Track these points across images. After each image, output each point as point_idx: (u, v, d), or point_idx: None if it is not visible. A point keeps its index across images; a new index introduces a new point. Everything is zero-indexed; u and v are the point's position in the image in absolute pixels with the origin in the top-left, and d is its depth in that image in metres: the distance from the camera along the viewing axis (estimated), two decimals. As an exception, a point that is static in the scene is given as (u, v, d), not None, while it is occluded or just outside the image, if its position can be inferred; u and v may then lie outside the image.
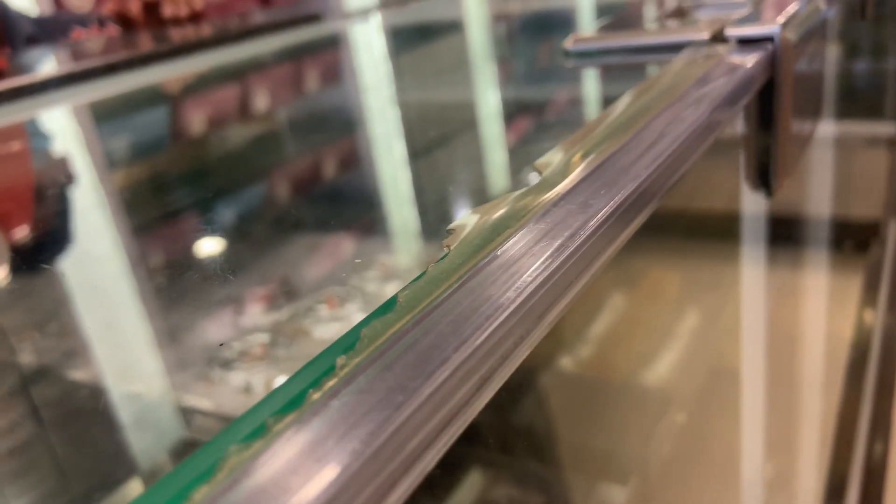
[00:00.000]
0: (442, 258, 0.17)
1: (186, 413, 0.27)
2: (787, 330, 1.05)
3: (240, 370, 0.31)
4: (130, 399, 0.24)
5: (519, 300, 0.15)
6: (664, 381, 0.84)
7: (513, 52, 0.56)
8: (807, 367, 1.02)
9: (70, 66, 0.66)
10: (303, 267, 0.30)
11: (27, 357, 0.24)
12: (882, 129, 1.44)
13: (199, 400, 0.29)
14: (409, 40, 0.71)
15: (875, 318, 1.09)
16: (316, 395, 0.12)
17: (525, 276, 0.16)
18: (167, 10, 0.95)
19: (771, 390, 0.96)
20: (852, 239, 1.26)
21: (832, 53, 1.18)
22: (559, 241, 0.17)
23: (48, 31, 1.03)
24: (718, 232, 0.89)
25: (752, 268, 0.93)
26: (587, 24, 0.65)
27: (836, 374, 1.01)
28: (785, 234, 1.08)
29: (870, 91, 1.47)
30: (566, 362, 0.78)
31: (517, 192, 0.20)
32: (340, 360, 0.13)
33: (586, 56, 0.36)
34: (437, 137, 0.37)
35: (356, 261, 0.26)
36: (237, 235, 0.29)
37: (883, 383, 1.00)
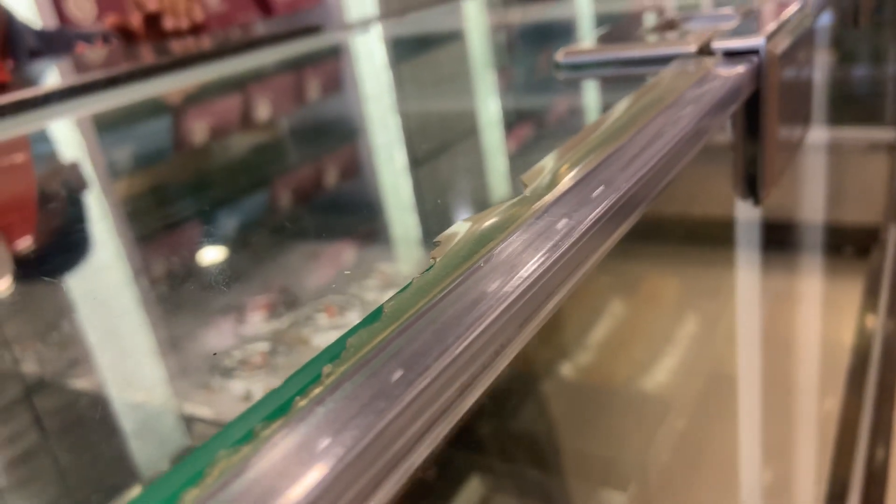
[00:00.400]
0: (428, 270, 0.17)
1: (186, 420, 0.28)
2: (788, 336, 1.05)
3: (240, 378, 0.31)
4: (131, 407, 0.25)
5: (500, 309, 0.16)
6: (668, 387, 0.84)
7: (506, 64, 0.56)
8: (807, 373, 1.02)
9: (74, 79, 0.67)
10: (303, 275, 0.30)
11: (26, 366, 0.25)
12: (882, 134, 1.44)
13: (199, 408, 0.30)
14: (406, 52, 0.72)
15: (876, 324, 1.09)
16: (302, 403, 0.13)
17: (507, 286, 0.16)
18: (168, 23, 0.96)
19: (772, 396, 0.96)
20: (852, 244, 1.27)
21: (831, 60, 1.18)
22: (541, 253, 0.18)
23: (52, 45, 1.04)
24: (718, 238, 0.90)
25: (752, 274, 0.93)
26: (586, 34, 0.66)
27: (838, 379, 1.02)
28: (785, 239, 1.09)
29: (870, 97, 1.48)
30: (565, 369, 0.78)
31: (503, 205, 0.21)
32: (327, 369, 0.14)
33: (577, 69, 0.36)
34: (428, 148, 0.38)
35: (345, 272, 0.26)
36: (238, 244, 0.30)
37: (884, 389, 1.01)
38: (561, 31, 0.71)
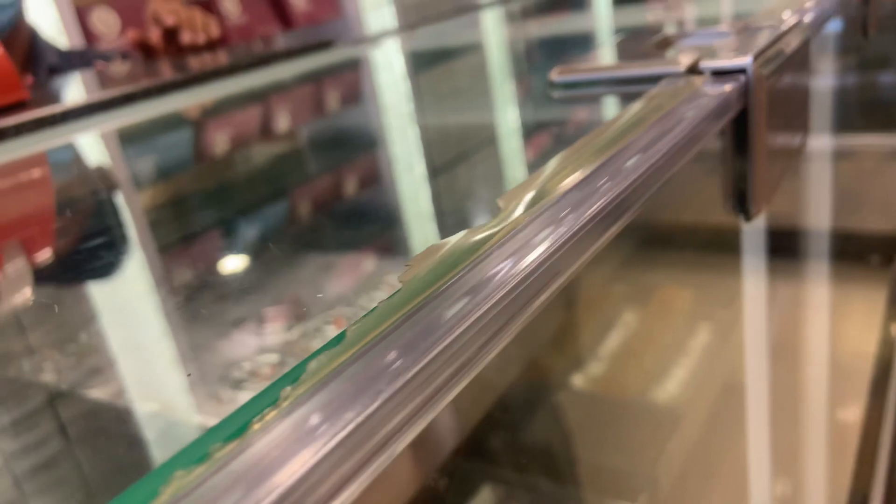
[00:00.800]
0: (394, 294, 0.18)
1: (196, 430, 0.28)
2: (810, 345, 1.04)
3: (249, 390, 0.32)
4: (141, 417, 0.26)
5: (457, 332, 0.16)
6: (685, 398, 0.84)
7: (504, 81, 0.57)
8: (829, 384, 1.01)
9: (92, 96, 0.69)
10: (313, 287, 0.31)
11: (33, 374, 0.25)
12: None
13: (209, 418, 0.30)
14: (412, 67, 0.73)
15: (898, 333, 1.08)
16: (257, 426, 0.14)
17: (467, 310, 0.17)
18: (186, 37, 0.98)
19: (792, 407, 0.95)
20: (877, 253, 1.25)
21: (851, 67, 1.17)
22: (507, 277, 0.19)
23: (72, 63, 1.07)
24: (738, 248, 0.89)
25: (773, 283, 0.93)
26: (594, 49, 0.66)
27: (860, 389, 1.01)
28: (808, 248, 1.08)
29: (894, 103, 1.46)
30: (575, 379, 0.78)
31: (476, 228, 0.21)
32: (284, 392, 0.15)
33: (570, 87, 0.37)
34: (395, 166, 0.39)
35: (317, 296, 0.27)
36: (252, 255, 0.31)
37: (906, 398, 1.00)
38: (571, 46, 0.71)
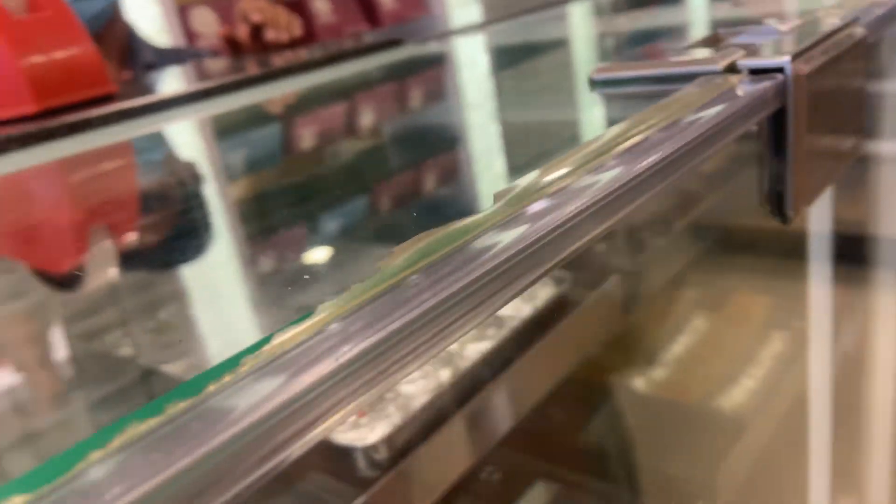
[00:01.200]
0: (367, 278, 0.19)
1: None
2: (887, 356, 0.99)
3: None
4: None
5: (418, 311, 0.17)
6: (754, 408, 0.82)
7: (555, 79, 0.57)
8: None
9: (174, 89, 0.73)
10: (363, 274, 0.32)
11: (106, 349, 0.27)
12: None
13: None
14: (474, 65, 0.73)
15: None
16: (212, 387, 0.15)
17: (431, 296, 0.18)
18: (270, 35, 1.02)
19: (862, 419, 0.92)
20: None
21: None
22: (478, 267, 0.19)
23: (168, 61, 1.13)
24: (810, 255, 0.86)
25: (847, 291, 0.89)
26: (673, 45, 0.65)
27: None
28: (885, 256, 1.03)
29: None
30: (639, 382, 0.77)
31: (467, 218, 0.22)
32: (244, 360, 0.16)
33: (609, 85, 0.37)
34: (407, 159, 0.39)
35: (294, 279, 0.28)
36: (320, 244, 0.32)
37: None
38: (646, 41, 0.70)
